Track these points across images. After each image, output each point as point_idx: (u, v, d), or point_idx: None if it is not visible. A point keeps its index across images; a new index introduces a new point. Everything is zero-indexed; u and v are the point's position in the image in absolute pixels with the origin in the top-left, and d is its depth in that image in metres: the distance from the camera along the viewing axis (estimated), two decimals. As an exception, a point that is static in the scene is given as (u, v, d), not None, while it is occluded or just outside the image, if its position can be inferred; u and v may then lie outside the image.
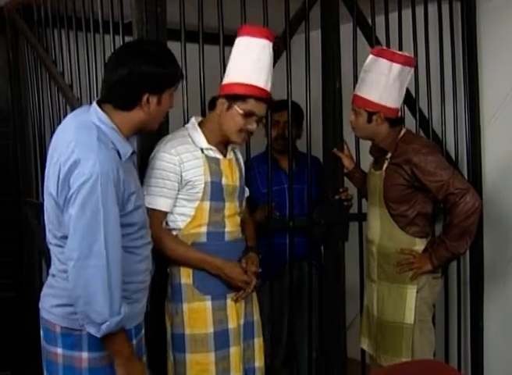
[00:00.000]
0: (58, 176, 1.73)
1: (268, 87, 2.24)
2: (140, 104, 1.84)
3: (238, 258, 2.32)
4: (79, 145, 1.73)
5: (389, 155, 2.57)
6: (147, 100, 1.83)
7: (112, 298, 1.70)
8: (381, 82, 2.51)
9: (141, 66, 1.81)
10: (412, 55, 2.67)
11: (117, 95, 1.83)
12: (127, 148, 1.84)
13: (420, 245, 2.57)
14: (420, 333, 2.54)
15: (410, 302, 2.52)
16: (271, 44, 2.25)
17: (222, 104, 2.23)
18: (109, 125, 1.81)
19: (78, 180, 1.69)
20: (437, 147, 2.72)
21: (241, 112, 2.20)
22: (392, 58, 2.51)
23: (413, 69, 2.61)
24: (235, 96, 2.20)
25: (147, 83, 1.82)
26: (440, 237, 2.53)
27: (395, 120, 2.60)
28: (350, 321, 3.27)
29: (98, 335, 1.72)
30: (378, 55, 2.54)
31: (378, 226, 2.62)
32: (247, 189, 2.46)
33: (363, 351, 2.97)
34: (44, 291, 1.94)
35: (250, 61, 2.21)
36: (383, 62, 2.51)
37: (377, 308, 2.62)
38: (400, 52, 2.60)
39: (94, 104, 1.86)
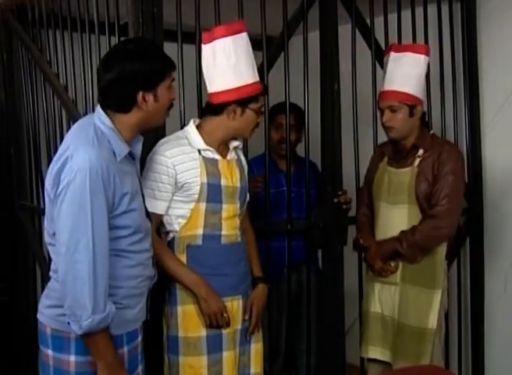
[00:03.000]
0: (52, 171, 1.77)
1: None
2: (136, 104, 1.84)
3: (235, 261, 2.28)
4: (74, 142, 1.78)
5: (421, 152, 2.54)
6: (144, 98, 1.84)
7: (96, 295, 1.71)
8: (412, 74, 2.51)
9: (126, 66, 1.81)
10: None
11: (112, 99, 1.85)
12: (123, 148, 1.84)
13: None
14: (438, 337, 2.51)
15: (435, 307, 2.49)
16: (246, 35, 2.25)
17: (234, 110, 2.22)
18: (108, 125, 1.83)
19: (68, 176, 1.71)
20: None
21: (257, 110, 2.26)
22: (417, 50, 2.53)
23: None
24: (247, 99, 2.21)
25: (137, 81, 1.83)
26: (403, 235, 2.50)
27: (423, 114, 2.61)
28: (349, 326, 3.23)
29: (80, 332, 1.72)
30: (402, 50, 2.54)
31: (406, 225, 2.53)
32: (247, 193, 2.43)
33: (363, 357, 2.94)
34: (44, 292, 1.96)
35: (243, 60, 2.20)
36: (409, 56, 2.51)
37: (398, 311, 2.54)
38: (420, 44, 2.65)
39: (98, 106, 1.89)
